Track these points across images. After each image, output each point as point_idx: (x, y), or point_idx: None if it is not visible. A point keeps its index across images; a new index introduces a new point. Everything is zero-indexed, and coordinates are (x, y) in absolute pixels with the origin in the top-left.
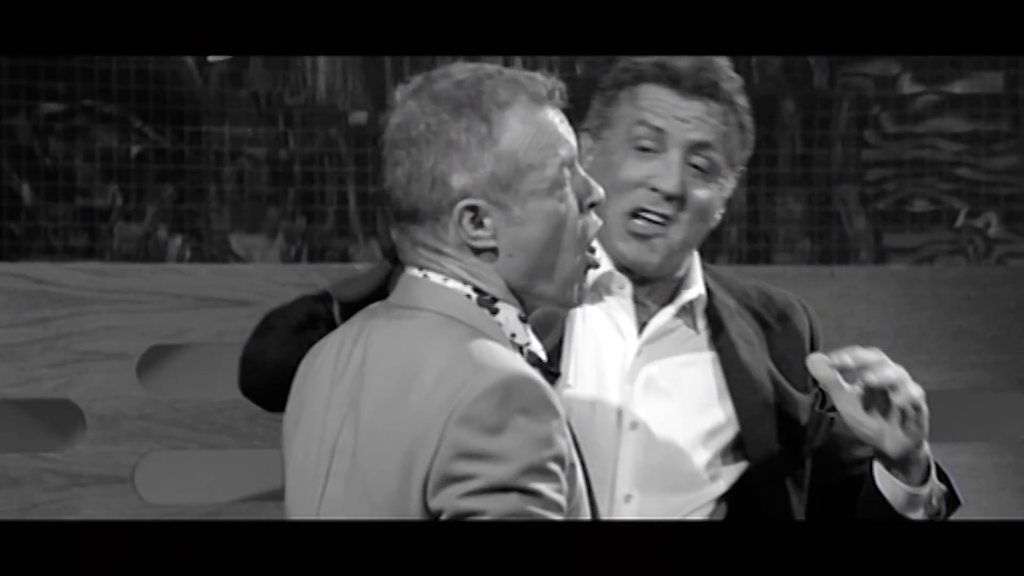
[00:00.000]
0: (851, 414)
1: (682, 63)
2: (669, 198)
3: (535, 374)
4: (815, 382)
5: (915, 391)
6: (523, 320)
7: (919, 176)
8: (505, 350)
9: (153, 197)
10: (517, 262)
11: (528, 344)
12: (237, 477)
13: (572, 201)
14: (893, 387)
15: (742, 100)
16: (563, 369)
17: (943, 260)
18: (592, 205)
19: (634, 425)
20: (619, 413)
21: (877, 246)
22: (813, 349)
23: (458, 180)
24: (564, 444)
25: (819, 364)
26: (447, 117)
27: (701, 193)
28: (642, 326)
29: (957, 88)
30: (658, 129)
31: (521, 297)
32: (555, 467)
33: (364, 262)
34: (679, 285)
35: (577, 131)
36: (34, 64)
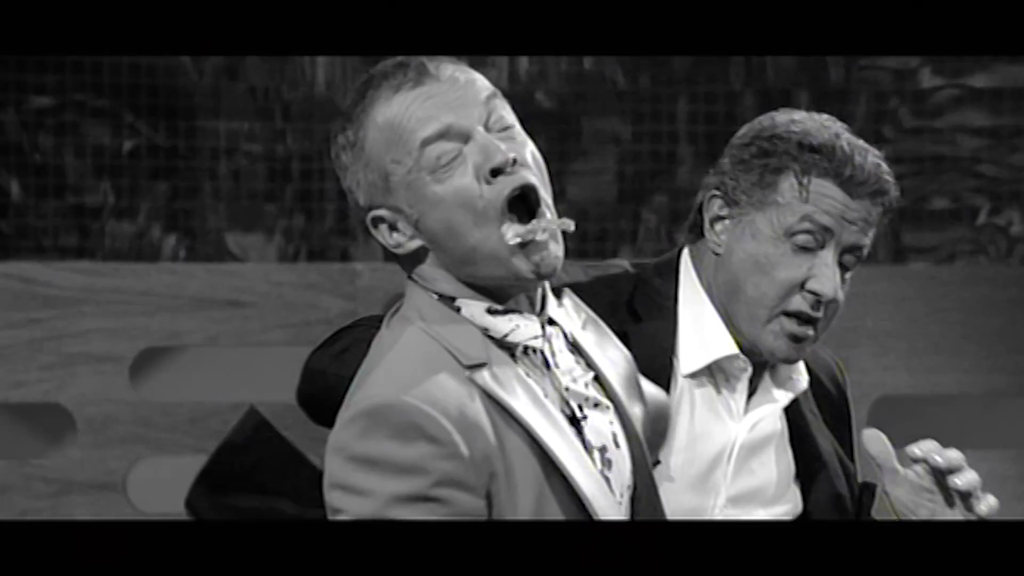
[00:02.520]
0: (902, 499)
1: (861, 163)
2: (823, 303)
3: (414, 399)
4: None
5: (993, 500)
6: (495, 312)
7: (939, 172)
8: (409, 370)
9: (146, 194)
10: (441, 255)
11: (507, 335)
12: None
13: (463, 177)
14: (974, 495)
15: (897, 199)
16: (663, 454)
17: (964, 259)
18: (496, 172)
19: (729, 503)
20: (717, 493)
21: (895, 245)
22: (848, 410)
23: (360, 196)
24: (445, 467)
25: (876, 441)
26: (337, 139)
27: (841, 292)
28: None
29: (978, 82)
30: (825, 228)
31: (480, 287)
32: (439, 492)
33: (364, 261)
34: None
35: (707, 191)
36: (23, 57)
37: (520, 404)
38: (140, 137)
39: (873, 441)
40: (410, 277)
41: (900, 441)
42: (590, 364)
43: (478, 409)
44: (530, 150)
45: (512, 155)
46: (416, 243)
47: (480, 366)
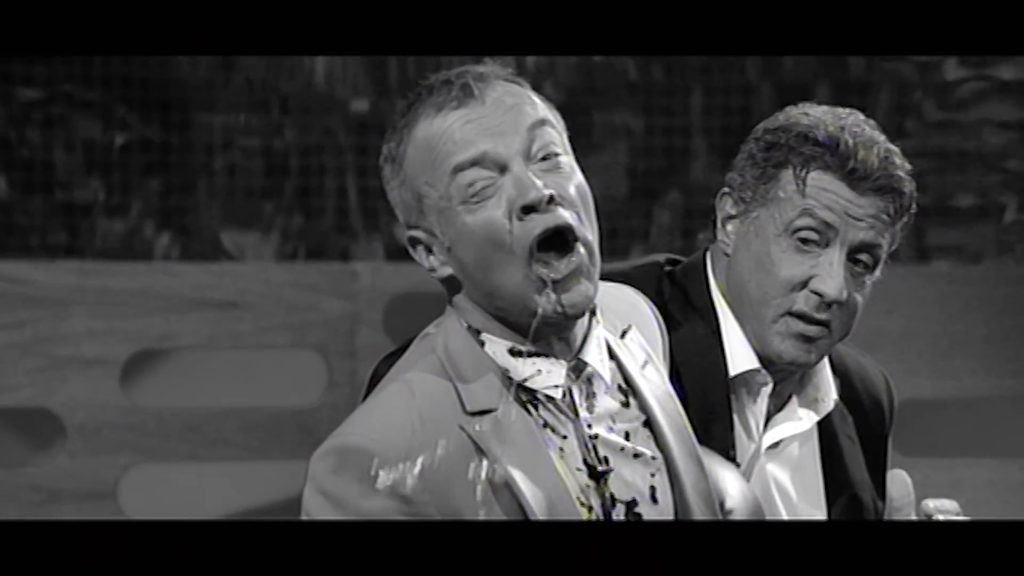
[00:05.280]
0: None
1: (865, 157)
2: (830, 304)
3: (391, 449)
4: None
5: None
6: (518, 353)
7: (964, 168)
8: (403, 412)
9: (138, 191)
10: (470, 287)
11: (527, 380)
12: (228, 491)
13: (495, 210)
14: None
15: (914, 195)
16: None
17: (990, 259)
18: (529, 209)
19: None
20: None
21: (918, 243)
22: (888, 430)
23: (399, 212)
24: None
25: (900, 484)
26: (383, 150)
27: (857, 293)
28: (766, 419)
29: (1005, 73)
30: (827, 224)
31: (510, 323)
32: None
33: (365, 261)
34: (803, 378)
35: (722, 193)
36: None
37: (512, 459)
38: (132, 131)
39: (897, 483)
40: (449, 301)
41: (920, 447)
42: (644, 408)
43: (464, 463)
44: (574, 183)
45: (548, 192)
46: (448, 270)
47: (484, 413)
